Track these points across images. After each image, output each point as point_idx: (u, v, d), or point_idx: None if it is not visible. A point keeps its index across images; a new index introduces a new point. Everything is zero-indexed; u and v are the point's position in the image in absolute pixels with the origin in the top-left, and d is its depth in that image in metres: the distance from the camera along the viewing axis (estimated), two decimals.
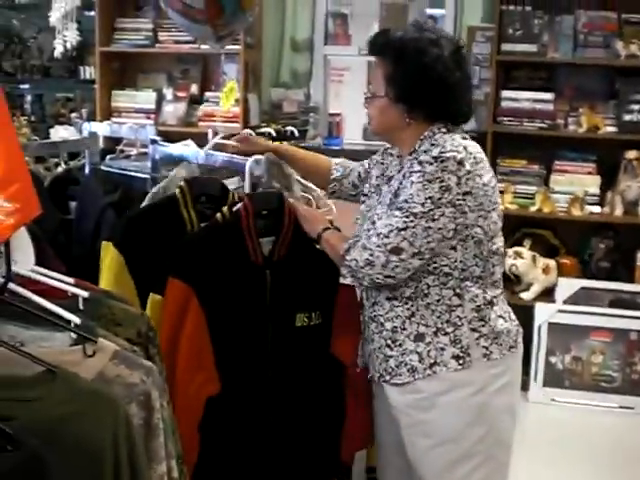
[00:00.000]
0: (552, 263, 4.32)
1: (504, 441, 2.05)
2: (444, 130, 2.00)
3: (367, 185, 2.20)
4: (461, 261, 1.95)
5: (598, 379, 4.14)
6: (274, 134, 2.88)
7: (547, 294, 4.29)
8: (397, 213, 1.90)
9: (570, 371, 4.17)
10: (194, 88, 4.89)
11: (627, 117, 4.26)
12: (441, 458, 2.00)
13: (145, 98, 4.91)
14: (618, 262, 4.36)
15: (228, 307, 1.92)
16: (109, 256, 2.04)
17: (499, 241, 2.02)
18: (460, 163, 1.90)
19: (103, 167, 2.87)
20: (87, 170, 2.84)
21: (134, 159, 3.00)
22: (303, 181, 2.41)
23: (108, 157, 3.02)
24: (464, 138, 2.00)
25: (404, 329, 1.99)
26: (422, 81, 1.96)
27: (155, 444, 1.35)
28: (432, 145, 1.97)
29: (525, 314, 4.11)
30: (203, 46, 4.42)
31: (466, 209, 1.90)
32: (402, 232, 1.88)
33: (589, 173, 4.34)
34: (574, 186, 4.31)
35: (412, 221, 1.88)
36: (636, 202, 4.22)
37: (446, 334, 1.97)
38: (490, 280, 2.01)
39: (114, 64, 4.99)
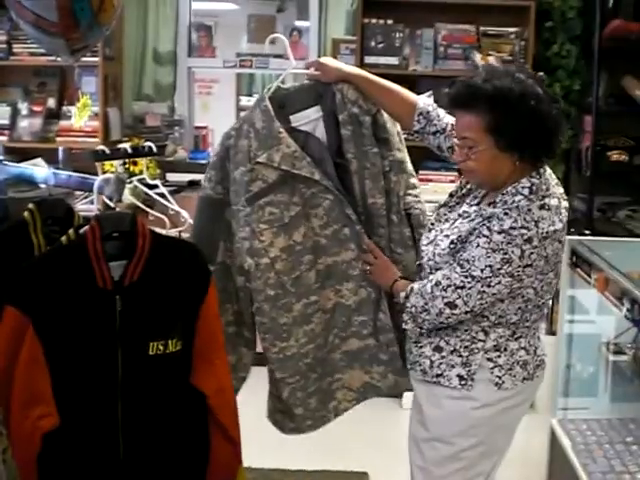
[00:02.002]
0: None
1: (492, 456, 2.15)
2: (534, 190, 1.97)
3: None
4: (502, 309, 2.02)
5: None
6: (129, 150, 2.76)
7: None
8: (458, 270, 1.97)
9: None
10: (51, 102, 4.67)
11: None
12: (431, 452, 2.12)
13: None
14: None
15: (71, 335, 1.81)
16: None
17: (548, 295, 2.08)
18: (527, 240, 1.93)
19: None
20: None
21: None
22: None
23: None
24: (542, 207, 1.96)
25: (428, 336, 2.10)
26: (531, 125, 1.94)
27: None
28: (512, 203, 1.95)
29: None
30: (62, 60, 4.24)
31: (524, 277, 1.97)
32: (459, 290, 1.96)
33: (452, 182, 4.43)
34: (438, 194, 4.37)
35: (469, 282, 1.95)
36: None
37: (460, 356, 2.06)
38: (523, 325, 2.07)
39: None
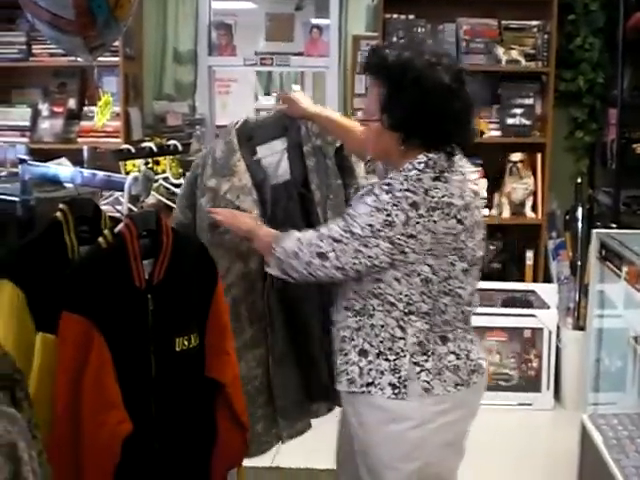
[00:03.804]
0: None
1: (442, 475, 2.04)
2: (429, 165, 1.90)
3: None
4: (406, 295, 1.91)
5: (496, 378, 4.18)
6: (155, 149, 2.75)
7: None
8: (341, 223, 1.93)
9: None
10: (72, 103, 4.67)
11: (510, 121, 4.35)
12: (385, 477, 2.00)
13: (20, 114, 4.67)
14: (508, 262, 4.46)
15: (116, 336, 1.80)
16: (5, 295, 1.82)
17: (458, 283, 1.93)
18: (413, 205, 1.84)
19: None
20: None
21: (4, 180, 2.82)
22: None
23: None
24: (436, 179, 1.89)
25: (352, 340, 2.00)
26: (418, 112, 1.88)
27: None
28: (404, 172, 1.89)
29: None
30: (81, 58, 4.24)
31: (407, 250, 1.86)
32: (335, 243, 1.91)
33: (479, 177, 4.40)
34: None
35: (347, 238, 1.89)
36: (522, 203, 4.32)
37: (387, 360, 1.95)
38: (440, 319, 1.94)
39: None
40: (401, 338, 1.93)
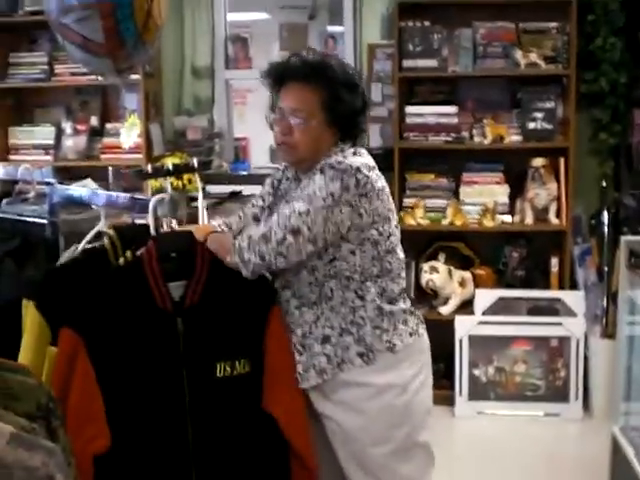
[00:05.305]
0: (467, 275, 4.33)
1: (426, 439, 2.16)
2: (344, 149, 2.11)
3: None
4: (360, 265, 2.07)
5: (522, 388, 4.16)
6: (172, 168, 2.75)
7: (466, 307, 4.29)
8: (300, 202, 2.01)
9: (494, 382, 4.18)
10: (94, 120, 4.73)
11: (531, 125, 4.31)
12: (373, 457, 2.08)
13: (44, 133, 4.73)
14: (533, 269, 4.40)
15: (131, 356, 1.80)
16: (29, 317, 1.89)
17: (395, 240, 2.14)
18: (357, 170, 2.02)
19: None
20: None
21: (32, 202, 2.84)
22: None
23: (4, 201, 2.85)
24: (354, 153, 2.12)
25: (311, 333, 2.07)
26: (357, 105, 2.11)
27: None
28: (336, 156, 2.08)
29: (445, 328, 4.13)
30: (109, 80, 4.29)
31: (362, 211, 2.03)
32: (303, 216, 1.98)
33: (497, 183, 4.38)
34: (484, 197, 4.34)
35: (314, 209, 1.98)
36: (546, 209, 4.28)
37: (350, 334, 2.06)
38: (388, 277, 2.11)
39: (9, 100, 4.79)
40: (362, 307, 2.07)
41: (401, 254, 2.18)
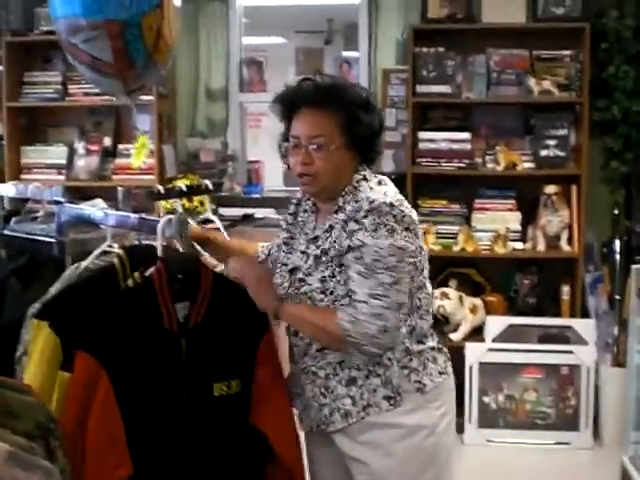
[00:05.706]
0: (478, 302, 4.31)
1: (451, 477, 2.10)
2: (367, 177, 2.01)
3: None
4: None
5: (532, 417, 4.11)
6: (184, 189, 2.76)
7: (476, 333, 4.26)
8: (378, 275, 1.86)
9: (504, 410, 4.13)
10: (107, 141, 4.75)
11: (544, 152, 4.30)
12: None
13: (56, 153, 4.76)
14: (544, 297, 4.37)
15: (141, 380, 1.80)
16: (41, 338, 1.85)
17: (427, 273, 2.05)
18: (391, 205, 1.92)
19: (6, 231, 2.70)
20: None
21: (41, 220, 2.84)
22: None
23: (14, 219, 2.86)
24: (380, 183, 2.02)
25: (336, 375, 1.98)
26: (375, 125, 2.02)
27: None
28: (356, 201, 1.95)
29: (455, 355, 4.07)
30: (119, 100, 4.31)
31: (409, 245, 1.92)
32: (395, 286, 1.88)
33: (509, 210, 4.36)
34: (496, 223, 4.32)
35: (396, 274, 1.88)
36: (558, 236, 4.26)
37: (378, 376, 1.96)
38: (417, 314, 2.01)
39: (22, 119, 4.82)
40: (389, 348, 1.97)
41: (430, 288, 2.08)
